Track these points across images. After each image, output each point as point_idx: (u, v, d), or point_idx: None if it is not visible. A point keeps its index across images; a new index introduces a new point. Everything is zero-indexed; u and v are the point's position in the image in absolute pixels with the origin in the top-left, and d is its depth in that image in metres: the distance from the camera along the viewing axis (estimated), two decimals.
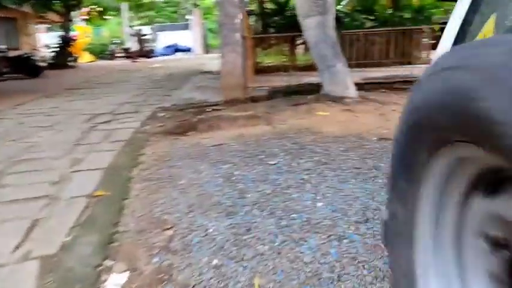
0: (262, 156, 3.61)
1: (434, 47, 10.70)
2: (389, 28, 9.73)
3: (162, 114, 5.82)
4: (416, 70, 6.85)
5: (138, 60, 22.27)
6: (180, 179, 3.26)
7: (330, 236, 2.26)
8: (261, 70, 9.67)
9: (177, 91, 8.41)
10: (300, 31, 8.25)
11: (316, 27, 5.31)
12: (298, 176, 3.11)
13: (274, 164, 3.40)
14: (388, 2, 10.86)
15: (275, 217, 2.51)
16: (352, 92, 5.32)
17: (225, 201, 2.79)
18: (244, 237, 2.31)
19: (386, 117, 4.46)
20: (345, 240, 2.21)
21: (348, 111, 4.81)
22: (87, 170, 3.68)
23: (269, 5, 11.75)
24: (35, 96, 8.92)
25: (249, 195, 2.85)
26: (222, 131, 4.55)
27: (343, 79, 5.35)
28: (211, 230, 2.41)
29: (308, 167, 3.28)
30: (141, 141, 4.49)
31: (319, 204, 2.65)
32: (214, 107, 5.72)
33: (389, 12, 10.80)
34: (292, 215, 2.52)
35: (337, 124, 4.33)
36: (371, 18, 10.84)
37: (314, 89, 5.79)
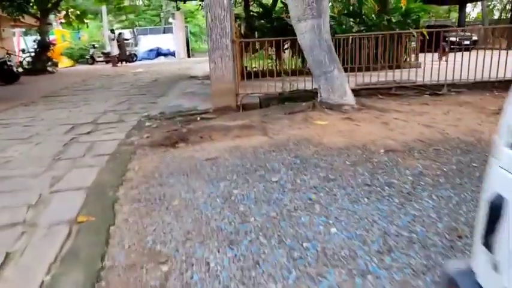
0: (262, 172, 3.32)
1: (422, 50, 10.70)
2: (379, 32, 9.59)
3: (149, 123, 5.45)
4: (406, 74, 6.69)
5: (119, 64, 21.68)
6: (172, 199, 2.93)
7: (351, 270, 1.98)
8: (248, 75, 9.38)
9: (164, 98, 8.03)
10: (288, 35, 8.10)
11: (311, 31, 5.06)
12: (304, 196, 2.83)
13: (277, 181, 3.11)
14: (376, 6, 10.75)
15: (285, 247, 2.22)
16: (350, 99, 5.09)
17: (225, 226, 2.48)
18: (253, 273, 2.01)
19: (389, 126, 4.23)
20: (369, 276, 1.93)
21: (347, 119, 4.57)
22: (68, 190, 3.31)
23: (255, 9, 11.49)
24: (10, 104, 8.39)
25: (253, 219, 2.55)
26: (215, 143, 4.24)
27: (341, 85, 5.11)
28: (213, 264, 2.10)
29: (314, 185, 3.00)
30: (127, 154, 4.13)
31: (333, 229, 2.37)
32: (205, 116, 5.40)
33: (377, 16, 10.68)
34: (305, 244, 2.23)
35: (339, 134, 4.08)
36: (359, 22, 10.71)
37: (309, 96, 5.54)
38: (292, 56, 10.45)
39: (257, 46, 10.89)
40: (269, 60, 10.69)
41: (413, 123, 4.32)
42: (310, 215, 2.55)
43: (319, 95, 5.27)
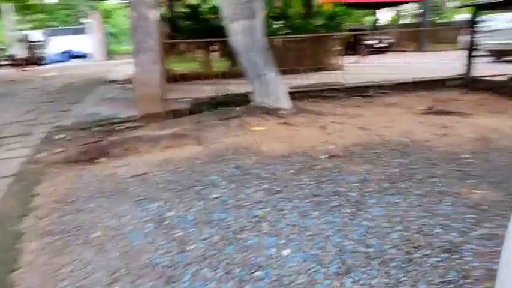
0: (200, 188, 2.96)
1: (346, 53, 11.10)
2: (308, 35, 9.72)
3: (61, 135, 4.75)
4: (333, 76, 6.79)
5: (27, 68, 19.53)
6: (93, 229, 2.46)
7: None
8: (174, 78, 8.90)
9: (79, 105, 7.20)
10: (216, 36, 7.79)
11: (244, 32, 4.81)
12: (250, 213, 2.54)
13: (217, 198, 2.78)
14: (301, 9, 10.90)
15: (234, 279, 1.91)
16: (286, 102, 4.93)
17: (161, 259, 2.09)
18: None
19: (327, 130, 4.13)
20: None
21: (285, 124, 4.39)
22: None
23: (180, 8, 10.99)
24: None
25: (192, 247, 2.20)
26: (143, 156, 3.77)
27: (276, 89, 4.93)
28: None
29: (259, 199, 2.72)
30: (35, 174, 3.48)
31: (286, 252, 2.11)
32: (129, 125, 4.86)
33: (303, 19, 10.83)
34: (257, 273, 1.94)
35: (278, 141, 3.86)
36: (285, 24, 10.76)
37: (243, 100, 5.28)
38: (222, 58, 10.19)
39: (184, 48, 10.47)
40: (197, 63, 10.28)
41: (350, 126, 4.28)
42: (259, 236, 2.27)
43: (254, 99, 5.04)
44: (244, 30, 4.81)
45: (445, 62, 7.52)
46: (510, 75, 6.41)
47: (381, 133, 4.00)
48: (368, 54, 13.64)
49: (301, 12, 10.83)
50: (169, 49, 9.23)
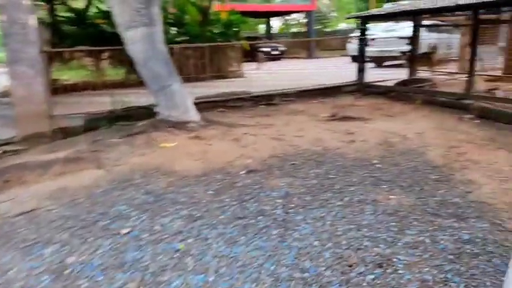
0: (105, 222, 2.54)
1: (245, 60, 11.22)
2: (209, 43, 9.57)
3: None
4: (236, 84, 6.74)
5: None
6: None
7: None
8: (62, 90, 7.94)
9: None
10: (107, 43, 7.12)
11: (144, 41, 4.39)
12: (170, 247, 2.23)
13: (128, 233, 2.40)
14: (198, 16, 10.67)
15: None
16: (194, 115, 4.64)
17: None
18: None
19: (241, 143, 3.97)
20: None
21: (197, 138, 4.11)
22: None
23: (62, 12, 9.85)
24: None
25: None
26: (30, 187, 3.14)
27: (183, 100, 4.61)
28: None
29: (178, 229, 2.42)
30: None
31: None
32: (8, 149, 4.06)
33: (200, 26, 10.63)
34: None
35: (192, 157, 3.58)
36: (181, 31, 10.45)
37: (146, 113, 4.85)
38: (117, 66, 9.46)
39: (70, 55, 9.43)
40: (88, 71, 9.34)
41: (263, 137, 4.20)
42: (184, 275, 1.99)
43: (159, 112, 4.64)
44: (144, 38, 4.41)
45: (337, 68, 8.04)
46: (397, 81, 7.10)
47: (294, 143, 3.99)
48: (265, 62, 14.05)
49: (197, 19, 10.61)
50: (53, 58, 8.24)
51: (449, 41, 10.68)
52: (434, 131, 4.43)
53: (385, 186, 3.01)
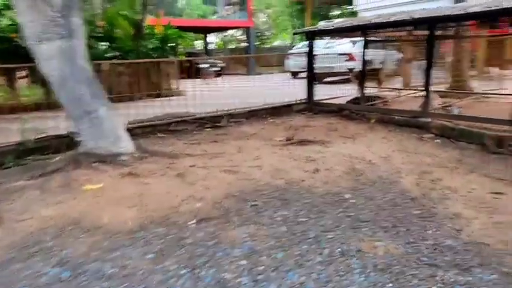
0: None
1: (182, 77, 10.50)
2: (144, 60, 8.75)
3: None
4: (175, 103, 6.05)
5: None
6: None
7: None
8: None
9: None
10: (23, 59, 6.05)
11: (60, 57, 3.55)
12: None
13: None
14: (130, 30, 9.79)
15: None
16: (127, 145, 3.85)
17: None
18: None
19: (188, 180, 3.27)
20: None
21: (130, 176, 3.33)
22: None
23: None
24: None
25: None
26: None
27: (112, 128, 3.80)
28: None
29: None
30: None
31: None
32: None
33: (133, 41, 9.77)
34: None
35: (124, 204, 2.80)
36: (112, 46, 9.50)
37: (66, 144, 3.96)
38: (34, 85, 8.28)
39: None
40: None
41: (214, 169, 3.54)
42: None
43: (82, 142, 3.78)
44: (61, 53, 3.57)
45: (280, 85, 7.66)
46: (347, 99, 6.84)
47: (252, 176, 3.38)
48: (205, 78, 13.45)
49: (130, 33, 9.74)
50: None
51: (389, 57, 10.89)
52: (399, 154, 4.09)
53: (366, 229, 2.51)
